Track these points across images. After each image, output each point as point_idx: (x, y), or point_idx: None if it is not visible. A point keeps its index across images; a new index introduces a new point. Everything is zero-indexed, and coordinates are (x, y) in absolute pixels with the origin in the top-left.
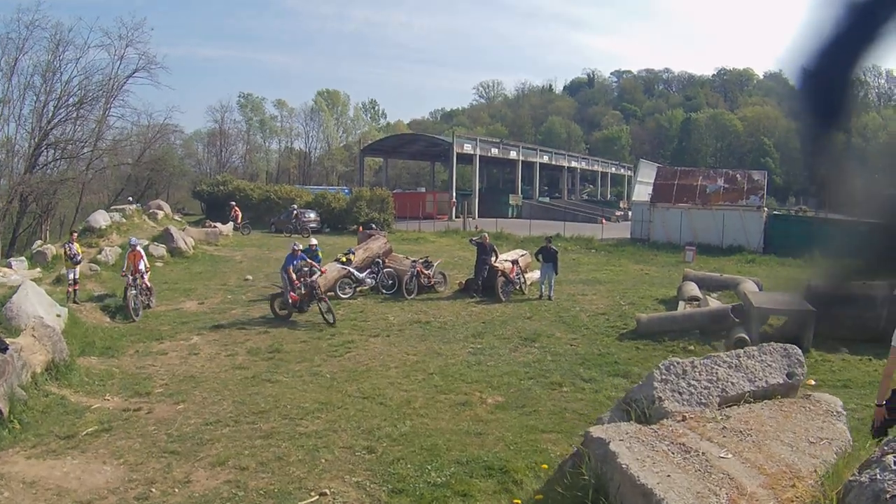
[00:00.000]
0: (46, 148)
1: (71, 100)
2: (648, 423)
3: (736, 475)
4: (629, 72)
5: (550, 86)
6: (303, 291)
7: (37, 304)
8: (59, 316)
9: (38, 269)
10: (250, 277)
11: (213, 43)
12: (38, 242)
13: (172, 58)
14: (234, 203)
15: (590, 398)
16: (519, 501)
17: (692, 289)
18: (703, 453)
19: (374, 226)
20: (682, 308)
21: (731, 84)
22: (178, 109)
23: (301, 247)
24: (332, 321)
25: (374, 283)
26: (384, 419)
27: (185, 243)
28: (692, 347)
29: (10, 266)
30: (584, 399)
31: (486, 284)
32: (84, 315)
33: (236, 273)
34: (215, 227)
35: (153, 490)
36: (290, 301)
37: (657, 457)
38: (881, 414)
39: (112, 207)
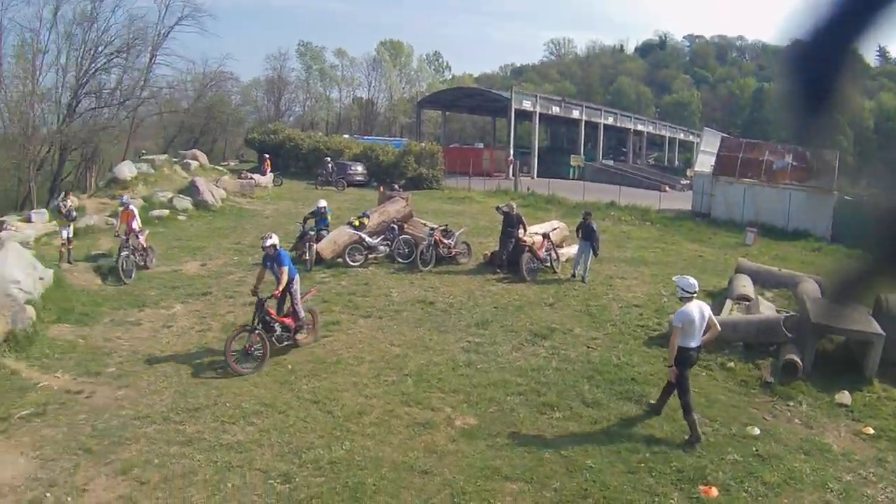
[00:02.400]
0: (85, 96)
1: (109, 48)
2: None
3: None
4: (701, 37)
5: (621, 46)
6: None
7: (15, 268)
8: (41, 279)
9: (55, 223)
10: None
11: None
12: (62, 195)
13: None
14: (267, 154)
15: (583, 431)
16: None
17: (744, 284)
18: None
19: (395, 186)
20: (728, 311)
21: None
22: (232, 57)
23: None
24: None
25: (387, 250)
26: (322, 435)
27: (213, 196)
28: (732, 364)
29: (29, 219)
30: (576, 432)
31: (511, 259)
32: (75, 277)
33: (257, 230)
34: (252, 178)
35: (48, 495)
36: None
37: None
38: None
39: (141, 158)
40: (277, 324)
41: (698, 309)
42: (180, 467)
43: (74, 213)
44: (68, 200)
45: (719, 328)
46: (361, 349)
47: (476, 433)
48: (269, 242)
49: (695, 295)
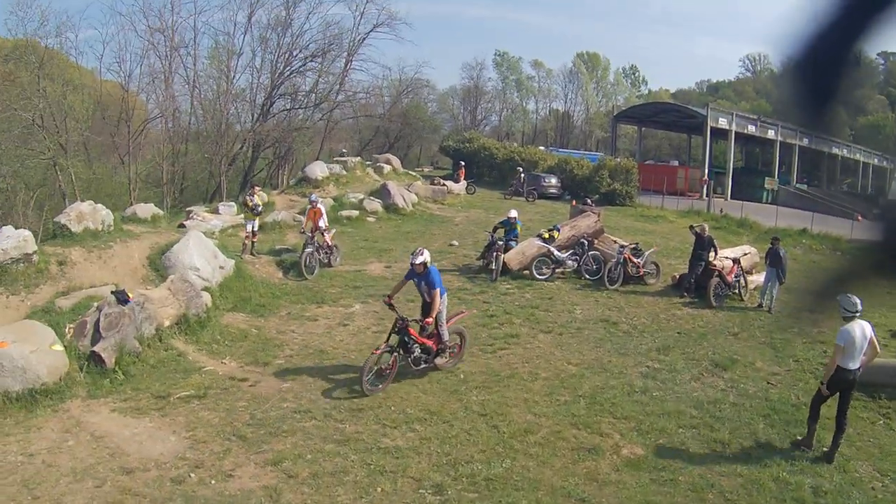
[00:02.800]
0: (279, 97)
1: (303, 53)
2: None
3: None
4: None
5: None
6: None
7: (195, 255)
8: (221, 268)
9: (242, 216)
10: (456, 243)
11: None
12: (250, 190)
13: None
14: (462, 162)
15: (751, 475)
16: None
17: None
18: None
19: (588, 200)
20: None
21: None
22: (428, 65)
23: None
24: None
25: (575, 265)
26: (483, 450)
27: (403, 200)
28: None
29: (217, 211)
30: (743, 474)
31: (699, 283)
32: (256, 269)
33: (446, 237)
34: (444, 185)
35: (192, 475)
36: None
37: None
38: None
39: (341, 156)
40: (417, 345)
41: (860, 328)
42: (332, 465)
43: (260, 208)
44: (255, 195)
45: (879, 349)
46: (537, 365)
47: (641, 464)
48: (419, 260)
49: (857, 315)
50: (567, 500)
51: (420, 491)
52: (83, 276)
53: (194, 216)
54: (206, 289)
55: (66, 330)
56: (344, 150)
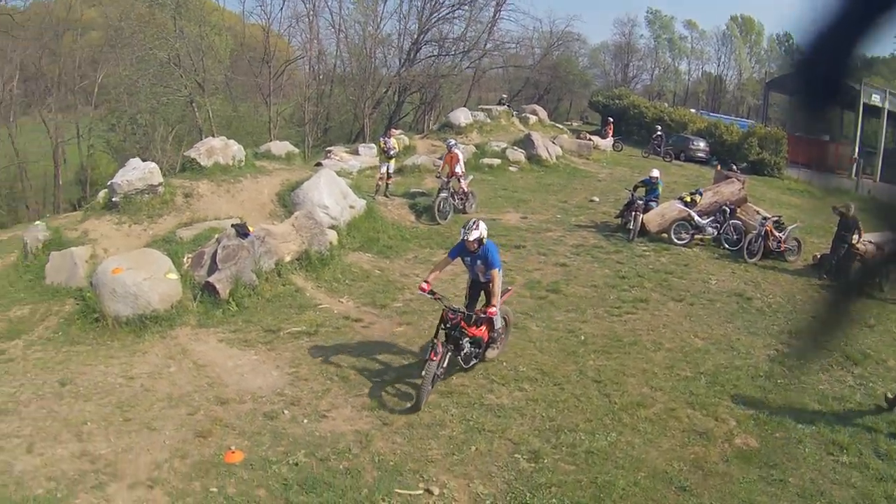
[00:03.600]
0: (426, 44)
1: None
2: None
3: None
4: None
5: None
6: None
7: (325, 194)
8: (351, 207)
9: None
10: (597, 199)
11: None
12: (388, 131)
13: None
14: (610, 118)
15: (864, 487)
16: None
17: None
18: None
19: (734, 167)
20: None
21: None
22: (579, 18)
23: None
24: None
25: (715, 233)
26: (590, 419)
27: (547, 152)
28: None
29: (357, 152)
30: (857, 486)
31: (840, 267)
32: (389, 210)
33: (587, 192)
34: (590, 140)
35: (286, 412)
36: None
37: None
38: None
39: (479, 107)
40: (468, 339)
41: None
42: (429, 417)
43: (394, 151)
44: (391, 138)
45: None
46: (662, 334)
47: (752, 458)
48: (474, 235)
49: None
50: (667, 487)
51: (515, 455)
52: (209, 209)
53: (332, 156)
54: (332, 227)
55: (184, 260)
56: (504, 97)
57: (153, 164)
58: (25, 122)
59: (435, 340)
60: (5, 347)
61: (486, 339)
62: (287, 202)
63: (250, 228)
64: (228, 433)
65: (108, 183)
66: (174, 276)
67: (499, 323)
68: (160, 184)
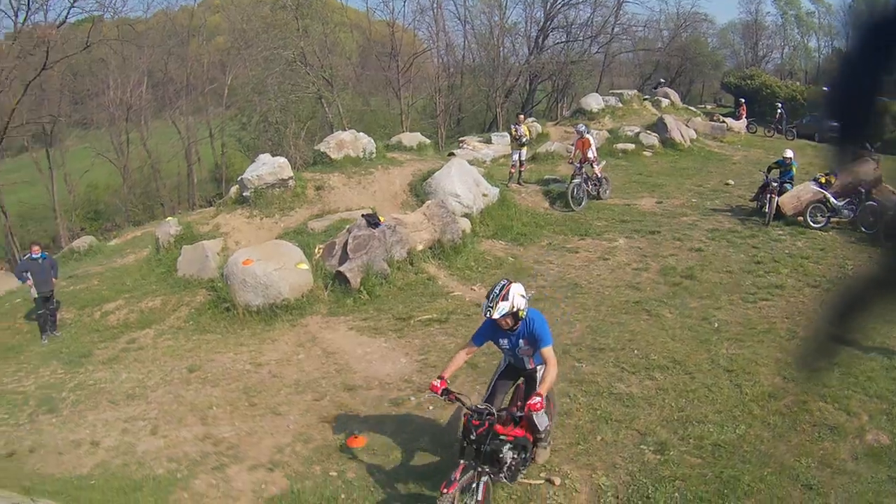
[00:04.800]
0: (553, 30)
1: None
2: None
3: None
4: None
5: None
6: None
7: (457, 183)
8: (484, 195)
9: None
10: (732, 182)
11: None
12: (521, 118)
13: None
14: (742, 99)
15: None
16: None
17: None
18: None
19: (868, 146)
20: None
21: None
22: None
23: None
24: None
25: (851, 215)
26: (720, 411)
27: (681, 135)
28: None
29: (489, 141)
30: None
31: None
32: (522, 198)
33: (722, 175)
34: (724, 122)
35: (412, 399)
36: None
37: None
38: None
39: (610, 92)
40: (508, 447)
41: None
42: (558, 405)
43: (525, 138)
44: (521, 125)
45: None
46: (798, 322)
47: (883, 456)
48: (501, 311)
49: None
50: (793, 485)
51: (641, 446)
52: (340, 201)
53: (465, 146)
54: (465, 215)
55: (316, 250)
56: (662, 80)
57: (283, 159)
58: (157, 126)
59: (456, 473)
60: (136, 336)
61: (530, 439)
62: (419, 192)
63: (381, 218)
64: (353, 419)
65: (239, 178)
66: (305, 266)
67: (545, 420)
68: (291, 178)
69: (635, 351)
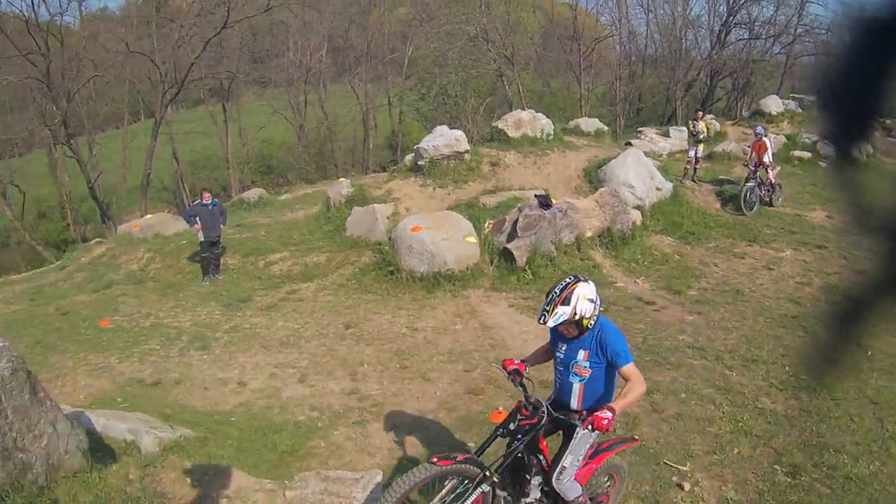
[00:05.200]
0: (735, 26)
1: None
2: None
3: None
4: None
5: None
6: None
7: (631, 173)
8: (658, 189)
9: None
10: None
11: None
12: (700, 114)
13: None
14: None
15: None
16: None
17: None
18: None
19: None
20: None
21: None
22: None
23: None
24: None
25: None
26: (858, 443)
27: (859, 149)
28: None
29: (667, 134)
30: None
31: None
32: (694, 196)
33: None
34: None
35: None
36: None
37: None
38: None
39: (790, 95)
40: (538, 479)
41: None
42: (701, 411)
43: (703, 135)
44: (699, 121)
45: None
46: None
47: None
48: (559, 318)
49: None
50: None
51: (775, 466)
52: (513, 179)
53: (642, 136)
54: (637, 207)
55: (485, 225)
56: None
57: (460, 132)
58: (336, 90)
59: (485, 473)
60: (297, 288)
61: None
62: (593, 178)
63: (553, 200)
64: (500, 394)
65: (415, 147)
66: (473, 239)
67: (574, 491)
68: (466, 151)
69: (786, 367)
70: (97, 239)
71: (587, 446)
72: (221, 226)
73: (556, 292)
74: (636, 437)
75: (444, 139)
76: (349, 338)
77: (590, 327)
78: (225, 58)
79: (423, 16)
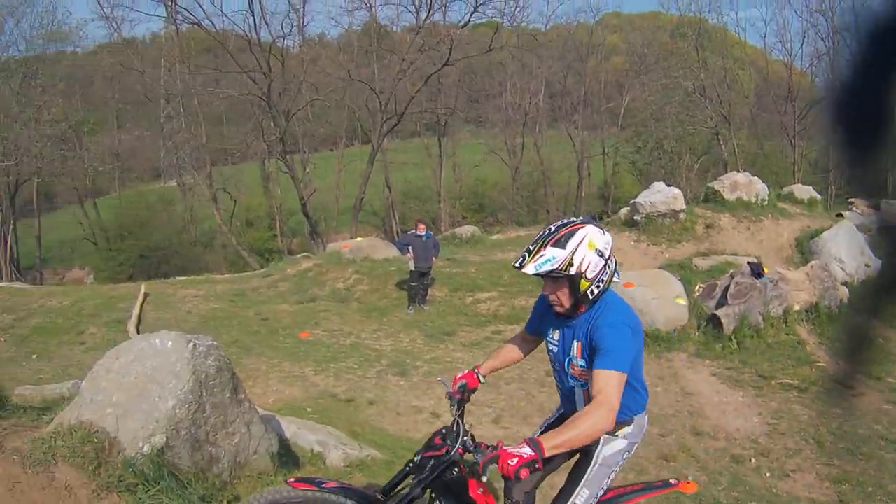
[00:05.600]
0: None
1: None
2: None
3: None
4: None
5: None
6: None
7: (843, 248)
8: (867, 266)
9: None
10: None
11: None
12: None
13: None
14: None
15: None
16: None
17: None
18: None
19: None
20: None
21: None
22: None
23: None
24: None
25: None
26: None
27: None
28: None
29: (878, 207)
30: None
31: None
32: None
33: None
34: None
35: (752, 460)
36: None
37: None
38: None
39: None
40: None
41: None
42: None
43: None
44: None
45: None
46: None
47: None
48: (546, 263)
49: None
50: None
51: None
52: (727, 243)
53: (854, 208)
54: (845, 283)
55: (696, 288)
56: None
57: (677, 191)
58: (551, 135)
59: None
60: (503, 329)
61: None
62: (804, 249)
63: (765, 269)
64: (692, 463)
65: (631, 202)
66: (683, 301)
67: None
68: (682, 210)
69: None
70: (304, 253)
71: (608, 479)
72: (434, 258)
73: (549, 229)
74: (677, 480)
75: (661, 196)
76: (549, 385)
77: (590, 299)
78: (443, 93)
79: (639, 66)
